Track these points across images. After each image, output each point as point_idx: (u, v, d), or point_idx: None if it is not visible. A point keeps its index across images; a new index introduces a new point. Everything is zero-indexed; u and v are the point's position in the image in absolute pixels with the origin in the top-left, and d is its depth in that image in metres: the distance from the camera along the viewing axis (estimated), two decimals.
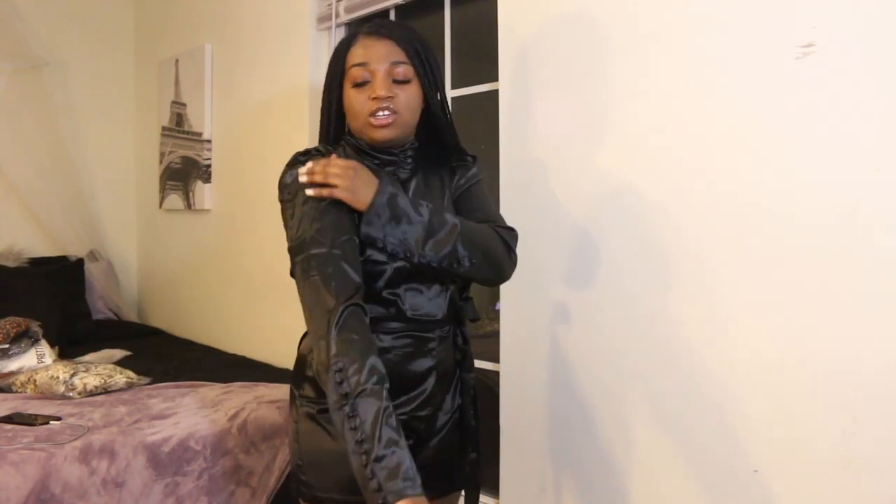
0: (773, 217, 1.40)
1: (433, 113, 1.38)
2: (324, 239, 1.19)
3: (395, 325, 1.30)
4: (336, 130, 1.39)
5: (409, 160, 1.38)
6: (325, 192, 1.21)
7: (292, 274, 1.26)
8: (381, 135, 1.29)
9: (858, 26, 1.29)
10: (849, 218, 1.30)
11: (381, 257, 1.26)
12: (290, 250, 1.25)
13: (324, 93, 1.39)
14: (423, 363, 1.33)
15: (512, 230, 1.39)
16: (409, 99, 1.31)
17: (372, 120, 1.28)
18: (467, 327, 1.43)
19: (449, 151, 1.44)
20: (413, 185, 1.37)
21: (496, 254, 1.32)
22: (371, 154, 1.35)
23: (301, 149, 1.36)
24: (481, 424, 1.45)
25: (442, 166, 1.42)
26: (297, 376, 1.39)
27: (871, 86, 1.28)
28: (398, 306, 1.30)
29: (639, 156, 1.62)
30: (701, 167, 1.51)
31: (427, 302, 1.32)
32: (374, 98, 1.28)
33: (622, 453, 1.66)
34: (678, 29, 1.55)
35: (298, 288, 1.22)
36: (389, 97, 1.27)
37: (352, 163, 1.24)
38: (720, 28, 1.48)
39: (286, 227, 1.29)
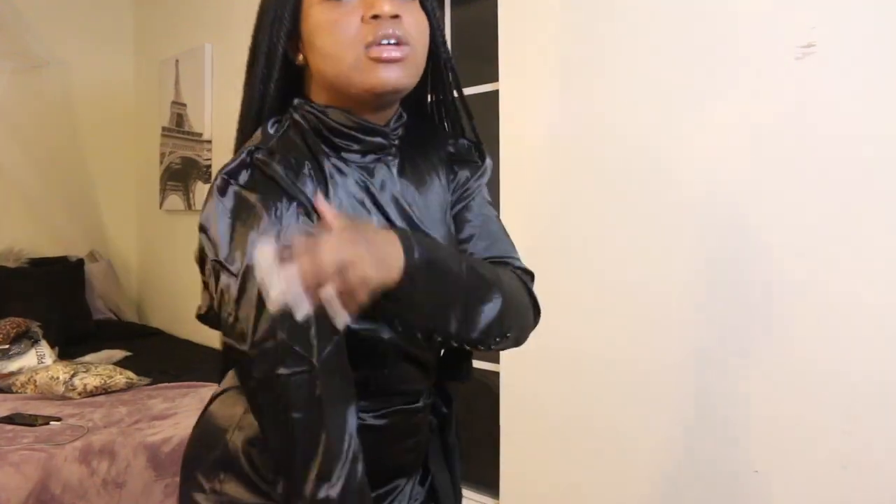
0: (772, 216, 1.40)
1: (435, 65, 0.92)
2: (301, 347, 0.75)
3: (376, 401, 0.89)
4: (276, 99, 0.88)
5: (397, 141, 0.91)
6: (341, 316, 0.66)
7: (230, 362, 0.87)
8: (390, 77, 0.81)
9: (858, 26, 1.29)
10: (848, 217, 1.30)
11: (369, 328, 0.82)
12: (239, 353, 0.78)
13: (255, 40, 0.90)
14: (407, 443, 0.95)
15: (532, 276, 0.99)
16: (419, 24, 0.85)
17: (373, 52, 0.80)
18: (454, 387, 1.04)
19: (439, 127, 0.98)
20: (400, 186, 0.91)
21: (527, 322, 0.94)
22: (348, 132, 0.85)
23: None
24: (467, 443, 1.10)
25: (431, 149, 0.96)
26: (207, 457, 0.92)
27: (871, 86, 1.28)
28: (383, 379, 0.90)
29: (638, 155, 1.62)
30: (700, 167, 1.51)
31: (417, 369, 0.92)
32: (375, 17, 0.80)
33: (622, 453, 1.66)
34: (678, 29, 1.55)
35: (253, 408, 0.82)
36: (396, 16, 0.81)
37: (343, 224, 0.71)
38: (720, 28, 1.48)
39: (216, 290, 0.80)
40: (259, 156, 0.82)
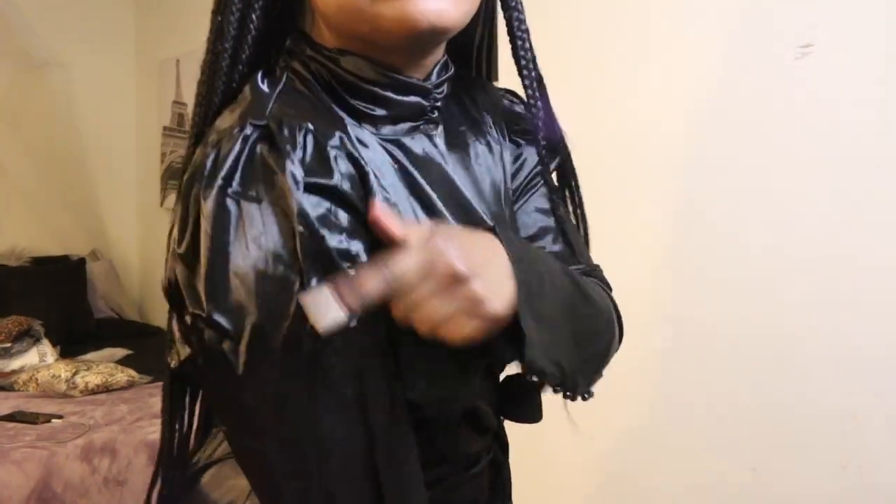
0: (772, 216, 1.40)
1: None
2: (312, 468, 0.53)
3: (428, 472, 0.64)
4: (259, 42, 0.61)
5: (440, 102, 0.64)
6: (461, 329, 0.50)
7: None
8: (428, 9, 0.54)
9: (858, 26, 1.29)
10: (849, 216, 1.31)
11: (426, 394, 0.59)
12: (236, 437, 0.58)
13: None
14: None
15: (610, 288, 0.79)
16: None
17: None
18: (504, 425, 0.85)
19: (487, 78, 0.76)
20: (450, 165, 0.64)
21: (610, 357, 0.74)
22: (370, 89, 0.58)
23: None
24: None
25: (473, 104, 0.72)
26: None
27: (870, 85, 1.28)
28: (436, 446, 0.67)
29: (638, 155, 1.63)
30: (700, 166, 1.51)
31: (477, 429, 0.73)
32: None
33: (623, 453, 1.66)
34: (678, 28, 1.55)
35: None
36: None
37: (437, 233, 0.50)
38: (720, 27, 1.48)
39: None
40: (264, 145, 0.50)
